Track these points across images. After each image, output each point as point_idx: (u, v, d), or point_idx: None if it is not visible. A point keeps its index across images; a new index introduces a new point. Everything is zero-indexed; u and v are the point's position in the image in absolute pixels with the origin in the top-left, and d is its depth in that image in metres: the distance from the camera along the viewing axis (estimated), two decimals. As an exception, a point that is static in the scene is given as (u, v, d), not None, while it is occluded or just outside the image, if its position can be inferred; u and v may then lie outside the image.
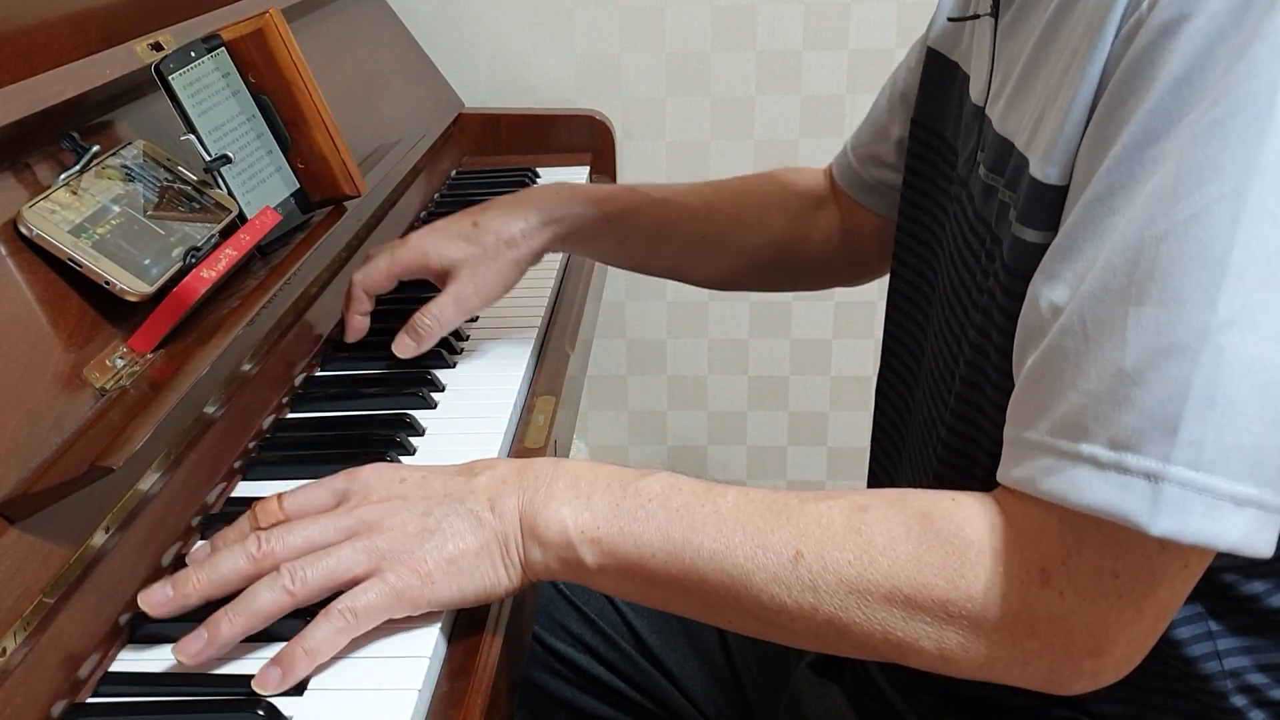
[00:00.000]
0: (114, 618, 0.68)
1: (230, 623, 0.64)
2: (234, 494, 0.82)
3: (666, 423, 1.92)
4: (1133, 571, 0.58)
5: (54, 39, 0.85)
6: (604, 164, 1.65)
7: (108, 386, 0.74)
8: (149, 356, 0.78)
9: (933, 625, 0.61)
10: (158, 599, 0.66)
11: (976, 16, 0.82)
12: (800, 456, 1.94)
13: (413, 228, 1.33)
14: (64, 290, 0.74)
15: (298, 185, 1.00)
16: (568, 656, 1.05)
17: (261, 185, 0.96)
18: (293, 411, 0.93)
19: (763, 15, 1.70)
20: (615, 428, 1.94)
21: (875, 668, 0.85)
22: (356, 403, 0.94)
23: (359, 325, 1.00)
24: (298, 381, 0.97)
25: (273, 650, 0.65)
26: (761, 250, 1.07)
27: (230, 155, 0.92)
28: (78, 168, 0.80)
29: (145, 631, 0.68)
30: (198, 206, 0.88)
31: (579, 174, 1.57)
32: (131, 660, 0.67)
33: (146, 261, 0.79)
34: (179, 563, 0.74)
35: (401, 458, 0.85)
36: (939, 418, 0.79)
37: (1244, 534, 0.55)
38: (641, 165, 1.78)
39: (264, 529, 0.68)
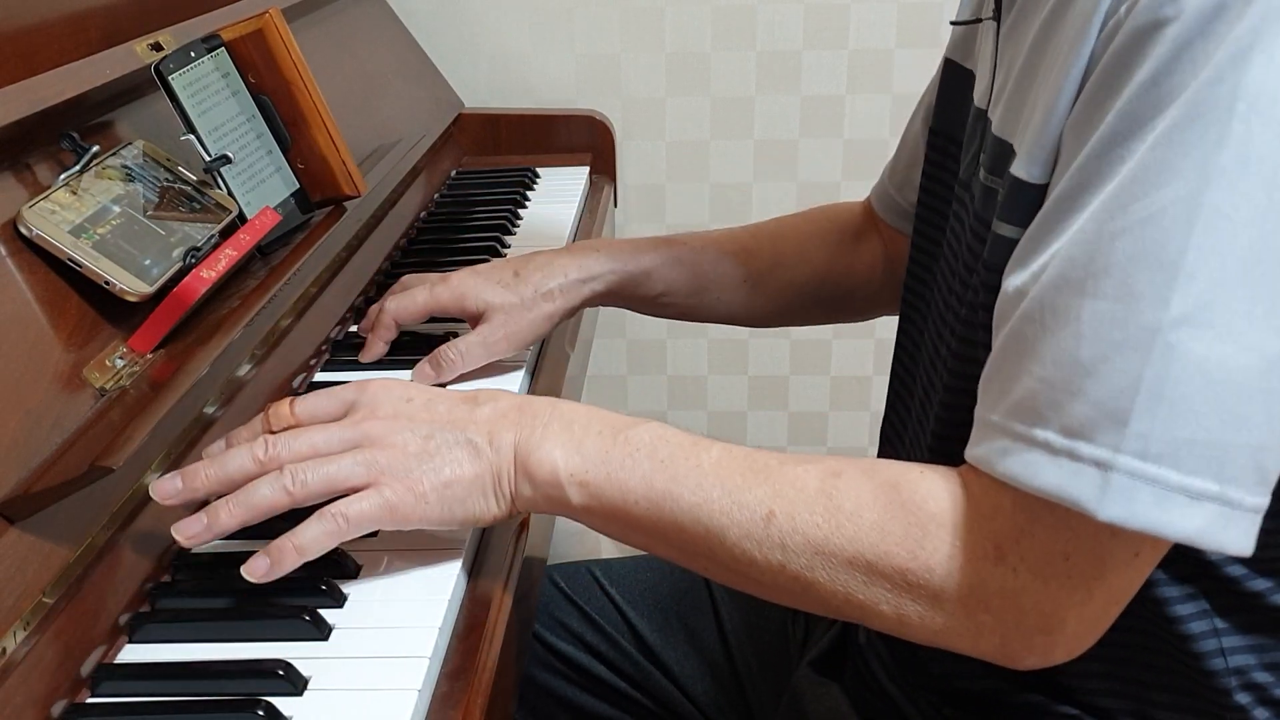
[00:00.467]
0: (114, 617, 0.68)
1: (229, 512, 0.68)
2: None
3: (666, 422, 1.92)
4: (1083, 555, 0.60)
5: (54, 39, 0.85)
6: (604, 164, 1.65)
7: (108, 386, 0.74)
8: (149, 356, 0.78)
9: (891, 592, 0.64)
10: (167, 490, 0.70)
11: (979, 20, 0.82)
12: (800, 456, 1.94)
13: (413, 228, 1.33)
14: (64, 290, 0.75)
15: (298, 185, 1.00)
16: (568, 655, 1.05)
17: (261, 185, 0.96)
18: (293, 411, 0.93)
19: (763, 15, 1.70)
20: (615, 428, 1.93)
21: (878, 664, 0.85)
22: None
23: (380, 351, 1.01)
24: (297, 383, 0.97)
25: (271, 649, 0.65)
26: (804, 287, 1.08)
27: (230, 155, 0.92)
28: (78, 168, 0.80)
29: (145, 631, 0.68)
30: (198, 206, 0.88)
31: (579, 174, 1.57)
32: (131, 660, 0.67)
33: (147, 262, 0.79)
34: (180, 562, 0.74)
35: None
36: (929, 414, 0.80)
37: (1201, 527, 0.57)
38: (641, 165, 1.78)
39: (274, 432, 0.72)
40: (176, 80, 0.89)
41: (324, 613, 0.68)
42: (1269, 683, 0.70)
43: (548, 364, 1.06)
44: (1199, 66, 0.56)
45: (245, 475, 0.70)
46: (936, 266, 0.84)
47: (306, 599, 0.69)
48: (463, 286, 0.99)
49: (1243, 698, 0.69)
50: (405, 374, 0.98)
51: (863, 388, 1.89)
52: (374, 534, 0.76)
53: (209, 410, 0.84)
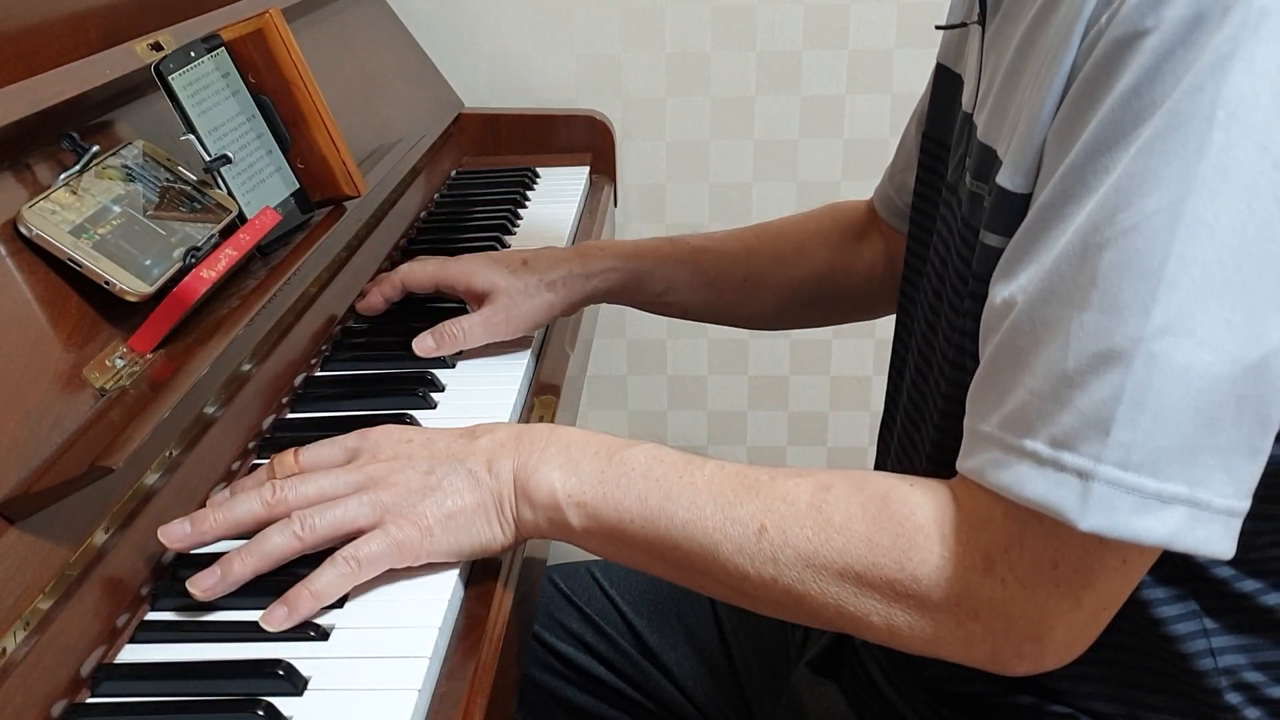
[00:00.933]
0: (114, 617, 0.68)
1: (242, 562, 0.69)
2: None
3: (666, 423, 1.92)
4: (1071, 564, 0.61)
5: (54, 39, 0.85)
6: (604, 164, 1.65)
7: (108, 386, 0.74)
8: (149, 356, 0.78)
9: (881, 603, 0.64)
10: (176, 534, 0.71)
11: (964, 24, 0.83)
12: (800, 456, 1.94)
13: (413, 227, 1.33)
14: (64, 290, 0.75)
15: (297, 185, 1.00)
16: (568, 656, 1.05)
17: (261, 185, 0.96)
18: (293, 411, 0.93)
19: (763, 15, 1.70)
20: (615, 428, 1.94)
21: (874, 666, 0.86)
22: (356, 403, 0.94)
23: (376, 304, 1.05)
24: (297, 382, 0.97)
25: (271, 649, 0.64)
26: (804, 285, 1.09)
27: (230, 155, 0.92)
28: (77, 168, 0.80)
29: (145, 632, 0.68)
30: (198, 206, 0.88)
31: (579, 174, 1.57)
32: (131, 660, 0.67)
33: (148, 262, 0.79)
34: (179, 562, 0.74)
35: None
36: (926, 419, 0.80)
37: (1171, 530, 0.57)
38: (641, 165, 1.78)
39: (279, 479, 0.73)
40: (176, 80, 0.89)
41: (324, 613, 0.68)
42: (1260, 682, 0.70)
43: (548, 364, 1.06)
44: (1179, 76, 0.56)
45: (253, 519, 0.71)
46: (925, 268, 0.85)
47: (306, 599, 0.69)
48: (472, 266, 1.03)
49: (1233, 697, 0.70)
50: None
51: (863, 388, 1.89)
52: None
53: (209, 410, 0.84)
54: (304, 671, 0.64)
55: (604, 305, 1.13)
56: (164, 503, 0.75)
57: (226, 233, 0.87)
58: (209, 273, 0.81)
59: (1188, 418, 0.57)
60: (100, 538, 0.69)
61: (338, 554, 0.69)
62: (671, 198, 1.79)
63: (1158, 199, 0.56)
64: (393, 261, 1.22)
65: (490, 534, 0.72)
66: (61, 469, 0.66)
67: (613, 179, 1.66)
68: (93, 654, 0.65)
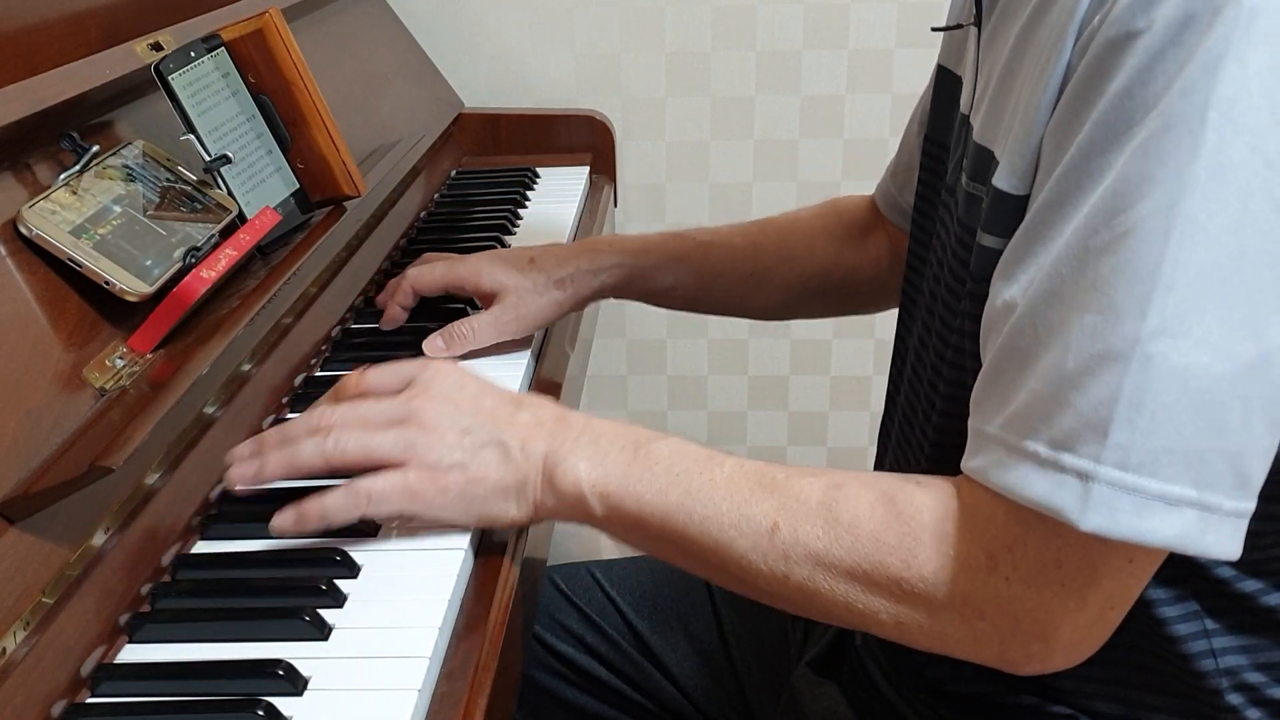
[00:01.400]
0: (114, 617, 0.68)
1: (274, 462, 0.74)
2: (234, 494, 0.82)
3: (666, 423, 1.92)
4: (1075, 563, 0.61)
5: (54, 39, 0.85)
6: (604, 164, 1.65)
7: (107, 386, 0.74)
8: (149, 356, 0.78)
9: (889, 601, 0.65)
10: (241, 451, 0.76)
11: (961, 26, 0.83)
12: (800, 456, 1.94)
13: (412, 227, 1.33)
14: (64, 290, 0.74)
15: (297, 185, 1.00)
16: (568, 656, 1.05)
17: (261, 185, 0.96)
18: (293, 412, 0.93)
19: (763, 15, 1.70)
20: (615, 428, 1.93)
21: (874, 666, 0.86)
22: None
23: (397, 315, 1.05)
24: (297, 382, 0.97)
25: (271, 649, 0.65)
26: (811, 280, 1.10)
27: (230, 155, 0.92)
28: (77, 168, 0.80)
29: (145, 631, 0.68)
30: (198, 206, 0.88)
31: (579, 174, 1.57)
32: (131, 660, 0.67)
33: (148, 263, 0.79)
34: (180, 562, 0.74)
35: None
36: (925, 418, 0.81)
37: (1180, 533, 0.58)
38: (641, 165, 1.77)
39: (340, 401, 0.77)
40: (176, 80, 0.89)
41: (324, 613, 0.68)
42: (1261, 683, 0.70)
43: (548, 363, 1.06)
44: (1171, 77, 0.56)
45: (299, 433, 0.75)
46: (926, 269, 0.85)
47: (306, 599, 0.69)
48: (479, 266, 1.03)
49: (1235, 698, 0.70)
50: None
51: (863, 388, 1.89)
52: (374, 533, 0.76)
53: (209, 410, 0.84)
54: (304, 671, 0.64)
55: (604, 304, 1.13)
56: (164, 503, 0.75)
57: (226, 233, 0.87)
58: (209, 273, 0.81)
59: (1188, 419, 0.57)
60: (100, 538, 0.69)
61: (354, 482, 0.72)
62: (671, 198, 1.79)
63: (1153, 201, 0.56)
64: (393, 262, 1.22)
65: (503, 509, 0.74)
66: (61, 469, 0.66)
67: (613, 179, 1.66)
68: (93, 654, 0.65)
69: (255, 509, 0.80)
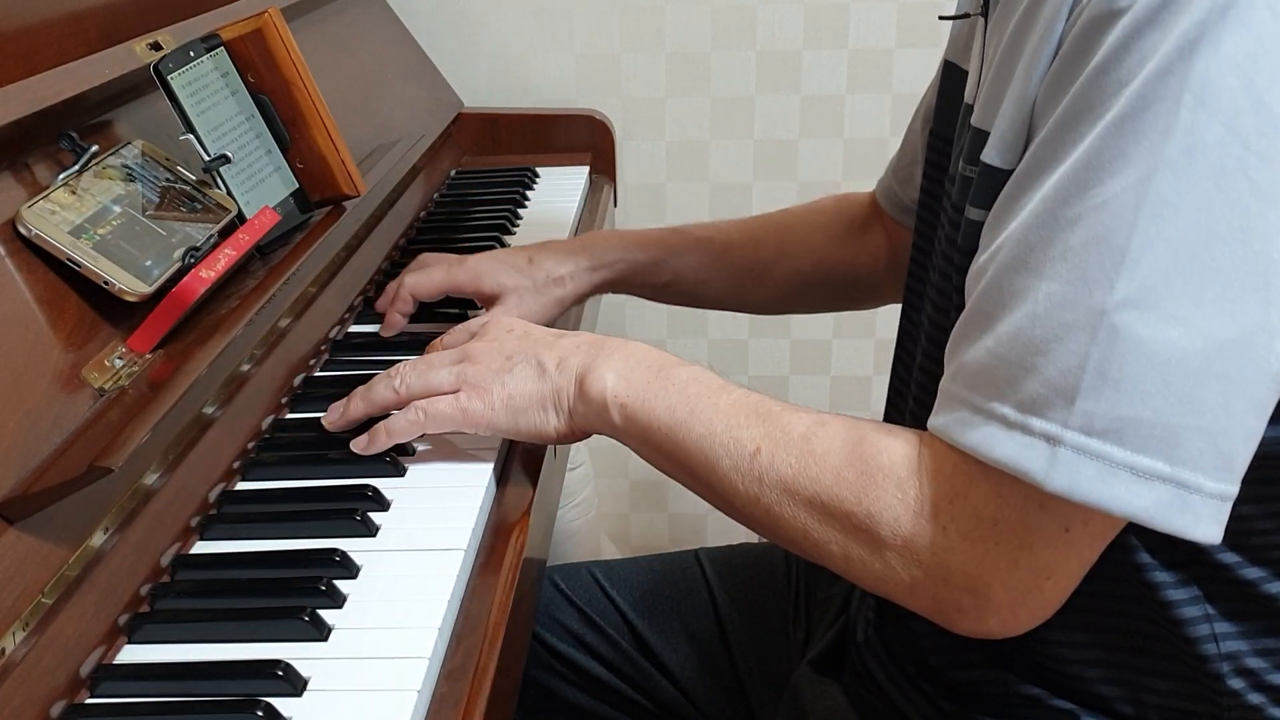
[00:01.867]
0: (113, 617, 0.68)
1: (357, 404, 0.85)
2: (233, 494, 0.82)
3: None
4: (1010, 523, 0.63)
5: (53, 39, 0.85)
6: (604, 164, 1.65)
7: (107, 387, 0.74)
8: (148, 357, 0.78)
9: (839, 533, 0.68)
10: (332, 417, 0.86)
11: (967, 15, 0.83)
12: (800, 456, 1.94)
13: (412, 227, 1.33)
14: (63, 290, 0.74)
15: (297, 185, 1.00)
16: (568, 656, 1.05)
17: (260, 185, 0.96)
18: (292, 412, 0.93)
19: (763, 15, 1.70)
20: (615, 428, 1.93)
21: (875, 664, 0.86)
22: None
23: (398, 323, 1.06)
24: (297, 382, 0.97)
25: (270, 649, 0.65)
26: (810, 275, 1.11)
27: (229, 155, 0.92)
28: (76, 167, 0.79)
29: (145, 632, 0.68)
30: (197, 206, 0.88)
31: (579, 174, 1.57)
32: (131, 660, 0.67)
33: (148, 263, 0.79)
34: (179, 562, 0.74)
35: (400, 457, 0.84)
36: (911, 404, 0.81)
37: (1148, 506, 0.59)
38: (641, 165, 1.77)
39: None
40: (176, 80, 0.88)
41: (324, 613, 0.68)
42: (1262, 669, 0.70)
43: (547, 364, 1.05)
44: (1147, 57, 0.58)
45: (380, 377, 0.86)
46: (931, 264, 0.85)
47: (306, 599, 0.69)
48: (479, 268, 1.04)
49: (1236, 683, 0.70)
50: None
51: (863, 388, 1.89)
52: (374, 532, 0.76)
53: (208, 410, 0.84)
54: (303, 672, 0.64)
55: (604, 304, 1.13)
56: (163, 503, 0.75)
57: (226, 233, 0.87)
58: (208, 273, 0.81)
59: (1156, 391, 0.58)
60: (99, 538, 0.69)
61: (415, 403, 0.82)
62: (671, 197, 1.79)
63: (1126, 178, 0.58)
64: (392, 262, 1.22)
65: (543, 420, 0.81)
66: (61, 469, 0.66)
67: (613, 179, 1.66)
68: (92, 654, 0.65)
69: (255, 509, 0.80)
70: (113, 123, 0.89)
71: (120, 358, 0.76)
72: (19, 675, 0.60)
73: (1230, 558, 0.68)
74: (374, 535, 0.76)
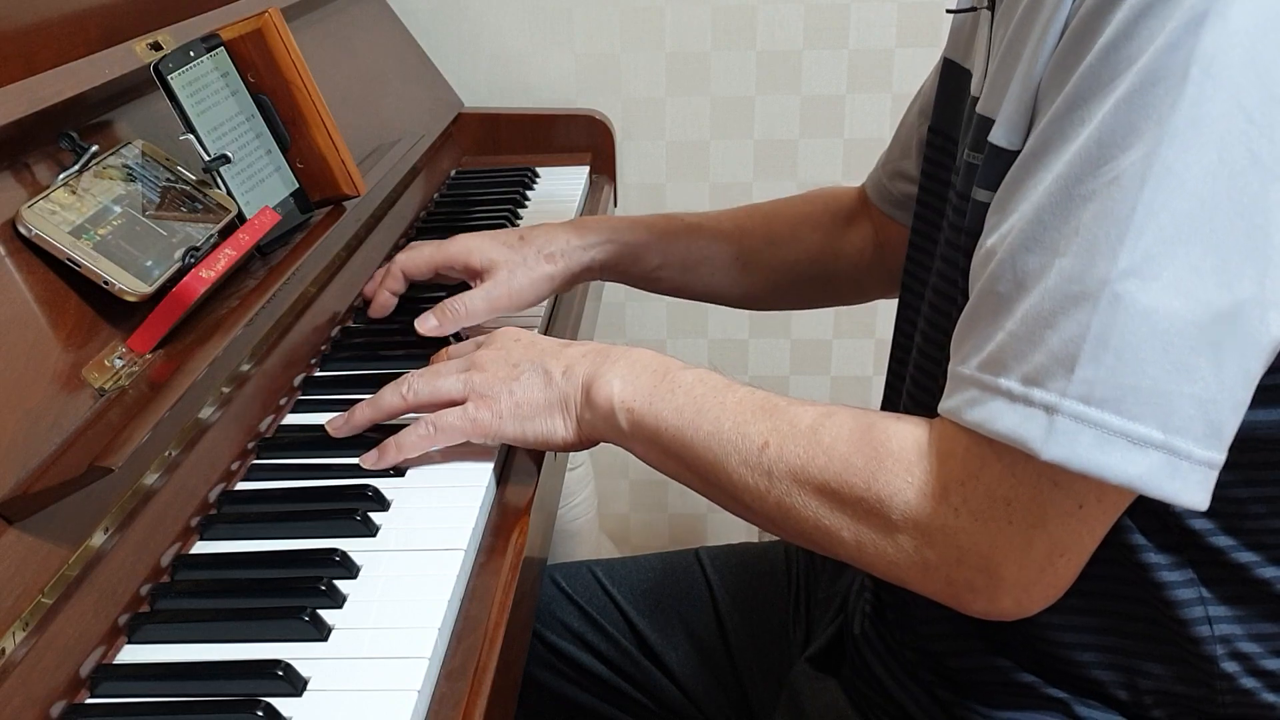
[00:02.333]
0: (113, 617, 0.68)
1: (363, 411, 0.85)
2: (233, 494, 0.82)
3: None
4: (1023, 502, 0.63)
5: (53, 39, 0.85)
6: (604, 164, 1.65)
7: (107, 387, 0.74)
8: (148, 357, 0.78)
9: (850, 519, 0.69)
10: (337, 424, 0.87)
11: (974, 9, 0.84)
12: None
13: (412, 227, 1.33)
14: (63, 290, 0.74)
15: (297, 185, 1.00)
16: (569, 654, 1.05)
17: (261, 185, 0.96)
18: (291, 412, 0.93)
19: (763, 15, 1.70)
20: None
21: (873, 657, 0.86)
22: (356, 403, 0.93)
23: (387, 302, 1.06)
24: (297, 382, 0.97)
25: (270, 649, 0.64)
26: (795, 266, 1.11)
27: (229, 155, 0.92)
28: (76, 167, 0.79)
29: (145, 632, 0.68)
30: (198, 206, 0.88)
31: (579, 174, 1.57)
32: (130, 660, 0.67)
33: (149, 263, 0.79)
34: (179, 563, 0.74)
35: (401, 457, 0.85)
36: (932, 398, 0.81)
37: (1142, 474, 0.59)
38: (641, 165, 1.77)
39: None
40: (176, 80, 0.88)
41: (324, 613, 0.68)
42: (1256, 653, 0.71)
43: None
44: (1155, 33, 0.58)
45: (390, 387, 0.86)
46: (932, 262, 0.85)
47: (306, 599, 0.69)
48: (469, 244, 1.05)
49: (1230, 666, 0.71)
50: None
51: (863, 388, 1.89)
52: (374, 532, 0.76)
53: (208, 410, 0.84)
54: (303, 672, 0.64)
55: (604, 304, 1.13)
56: (163, 503, 0.75)
57: (226, 232, 0.87)
58: (208, 273, 0.81)
59: (1154, 359, 0.58)
60: (99, 538, 0.69)
61: (423, 417, 0.83)
62: (671, 198, 1.79)
63: (1135, 152, 0.58)
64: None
65: (552, 427, 0.82)
66: (61, 469, 0.66)
67: (613, 179, 1.66)
68: (92, 654, 0.65)
69: (255, 509, 0.80)
70: (113, 123, 0.89)
71: (120, 358, 0.76)
72: (19, 675, 0.60)
73: (1224, 541, 0.69)
74: (374, 535, 0.76)
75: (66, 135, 0.81)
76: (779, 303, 1.18)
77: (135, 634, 0.68)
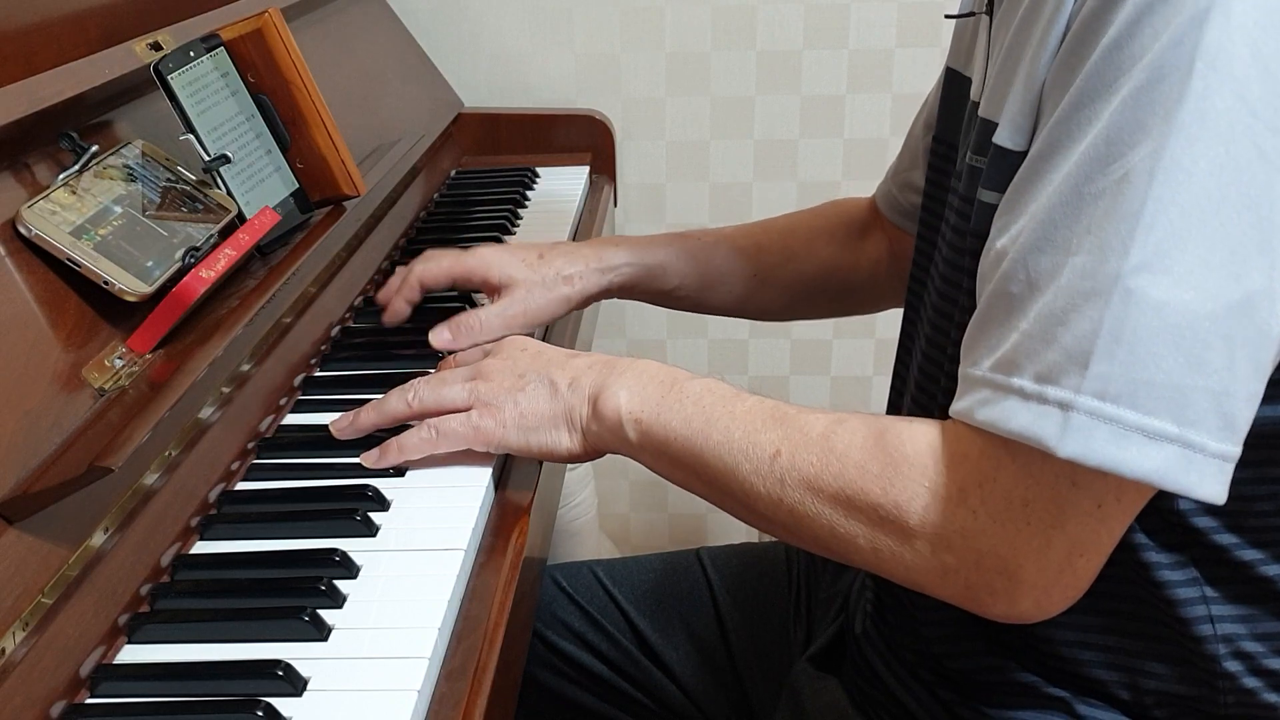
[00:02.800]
0: (113, 617, 0.68)
1: (368, 414, 0.85)
2: (233, 494, 0.82)
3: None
4: (1042, 503, 0.63)
5: (53, 39, 0.85)
6: (604, 164, 1.65)
7: (107, 387, 0.74)
8: (148, 357, 0.78)
9: (867, 526, 0.68)
10: (341, 425, 0.86)
11: (973, 14, 0.84)
12: (800, 456, 1.94)
13: (412, 227, 1.33)
14: (63, 290, 0.74)
15: (297, 185, 1.00)
16: (569, 654, 1.05)
17: (261, 185, 0.96)
18: (291, 412, 0.93)
19: (763, 15, 1.70)
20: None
21: (874, 655, 0.86)
22: (356, 403, 0.93)
23: (401, 310, 1.05)
24: (297, 382, 0.97)
25: (270, 649, 0.64)
26: (813, 280, 1.12)
27: (229, 155, 0.92)
28: (76, 167, 0.79)
29: (145, 632, 0.68)
30: (198, 206, 0.88)
31: (579, 174, 1.57)
32: (130, 660, 0.67)
33: (148, 263, 0.79)
34: (179, 563, 0.74)
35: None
36: (934, 414, 0.80)
37: (1158, 467, 0.59)
38: (641, 165, 1.77)
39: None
40: (176, 80, 0.88)
41: (324, 613, 0.68)
42: (1258, 652, 0.71)
43: (548, 364, 1.05)
44: (1159, 30, 0.58)
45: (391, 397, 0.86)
46: (933, 266, 0.85)
47: (306, 599, 0.69)
48: (490, 257, 1.04)
49: (1232, 665, 0.71)
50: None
51: (863, 388, 1.89)
52: (374, 532, 0.76)
53: (208, 410, 0.84)
54: (303, 672, 0.64)
55: (604, 304, 1.13)
56: (163, 503, 0.75)
57: (226, 233, 0.87)
58: (208, 273, 0.81)
59: (1168, 353, 0.58)
60: (99, 538, 0.69)
61: (427, 421, 0.82)
62: (671, 198, 1.79)
63: (1143, 148, 0.59)
64: (392, 261, 1.22)
65: (555, 439, 0.81)
66: (61, 469, 0.66)
67: (613, 179, 1.66)
68: (92, 654, 0.65)
69: (255, 509, 0.80)
70: (113, 123, 0.89)
71: (120, 358, 0.76)
72: (19, 675, 0.60)
73: (1228, 539, 0.69)
74: (374, 535, 0.76)
75: (66, 135, 0.81)
76: (794, 315, 1.18)
77: (135, 634, 0.68)
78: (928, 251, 0.89)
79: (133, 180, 0.84)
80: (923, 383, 0.84)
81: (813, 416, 0.73)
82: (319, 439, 0.87)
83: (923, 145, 1.01)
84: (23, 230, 0.73)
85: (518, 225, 1.38)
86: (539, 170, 1.56)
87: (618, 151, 1.68)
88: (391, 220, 1.27)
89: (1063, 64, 0.64)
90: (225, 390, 0.86)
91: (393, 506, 0.80)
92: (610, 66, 1.73)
